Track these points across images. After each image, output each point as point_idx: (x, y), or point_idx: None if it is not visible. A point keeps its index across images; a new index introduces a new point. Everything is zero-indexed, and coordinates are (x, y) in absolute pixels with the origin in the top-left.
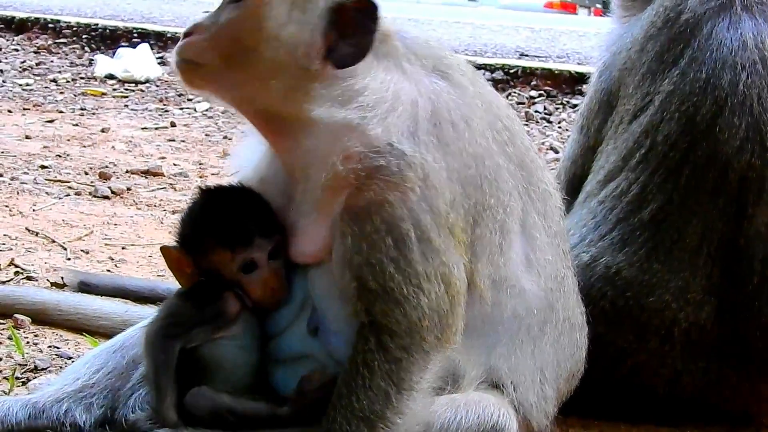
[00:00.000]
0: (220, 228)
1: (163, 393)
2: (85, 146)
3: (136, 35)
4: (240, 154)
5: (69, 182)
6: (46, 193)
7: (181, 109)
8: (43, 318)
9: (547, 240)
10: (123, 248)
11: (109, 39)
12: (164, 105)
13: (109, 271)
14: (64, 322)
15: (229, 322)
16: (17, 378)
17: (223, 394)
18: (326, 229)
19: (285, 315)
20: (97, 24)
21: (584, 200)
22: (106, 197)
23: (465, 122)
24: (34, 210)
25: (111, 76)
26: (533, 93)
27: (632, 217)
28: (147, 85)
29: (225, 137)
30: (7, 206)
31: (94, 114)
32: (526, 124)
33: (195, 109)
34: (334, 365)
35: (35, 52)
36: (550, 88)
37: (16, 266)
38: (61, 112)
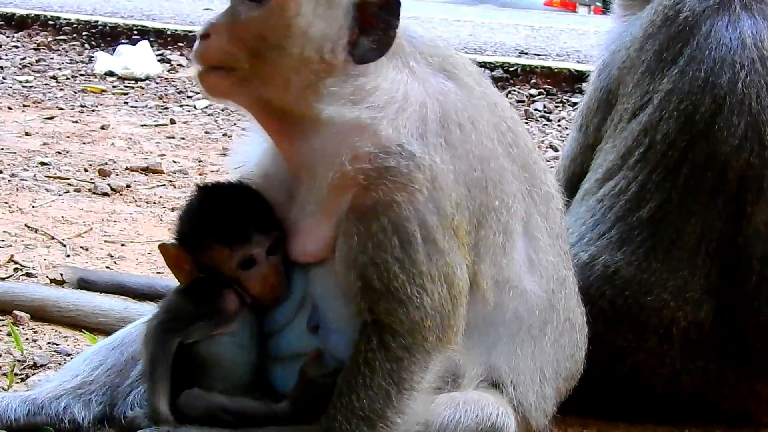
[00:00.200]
0: (219, 225)
1: (157, 386)
2: (84, 143)
3: (136, 32)
4: (242, 151)
5: (68, 179)
6: (46, 189)
7: (181, 106)
8: (42, 314)
9: (549, 241)
10: (122, 245)
11: (109, 36)
12: (164, 102)
13: (108, 268)
14: (63, 318)
15: (228, 319)
16: (16, 374)
17: (217, 394)
18: (330, 228)
19: (284, 312)
20: (97, 21)
21: (582, 198)
22: (106, 194)
23: (471, 124)
24: (33, 207)
25: (111, 73)
26: (533, 91)
27: (631, 216)
28: (147, 82)
29: (224, 134)
30: (6, 203)
31: (93, 111)
32: (526, 123)
33: (195, 107)
34: (334, 363)
35: (35, 49)
36: (550, 87)
37: (16, 263)
38: (60, 109)
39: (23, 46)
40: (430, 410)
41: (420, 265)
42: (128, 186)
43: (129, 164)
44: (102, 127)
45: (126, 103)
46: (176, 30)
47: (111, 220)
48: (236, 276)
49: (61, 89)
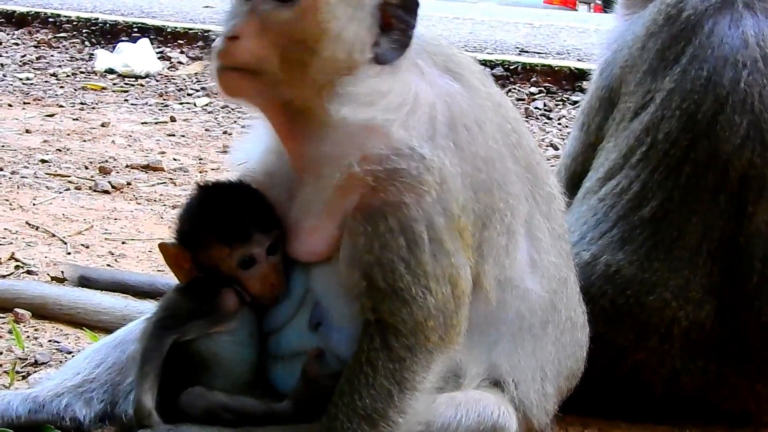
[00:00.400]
0: (219, 224)
1: (144, 382)
2: (85, 140)
3: (136, 30)
4: (244, 148)
5: (69, 176)
6: (47, 187)
7: (181, 103)
8: (43, 312)
9: (551, 242)
10: (123, 243)
11: (109, 33)
12: (164, 100)
13: (109, 265)
14: (64, 316)
15: (225, 318)
16: (17, 372)
17: (218, 392)
18: (334, 228)
19: (284, 311)
20: (98, 18)
21: (584, 197)
22: (106, 192)
23: (478, 126)
24: (34, 204)
25: (111, 71)
26: (533, 89)
27: (632, 215)
28: (147, 79)
29: (225, 132)
30: (7, 200)
31: (94, 108)
32: (526, 121)
33: (195, 104)
34: (335, 361)
35: (35, 47)
36: (550, 85)
37: (17, 260)
38: (61, 106)
39: (24, 43)
40: (432, 410)
41: (425, 265)
42: (129, 183)
43: (129, 162)
44: (102, 125)
45: (126, 100)
46: (176, 27)
47: (111, 217)
48: (236, 275)
49: (62, 87)
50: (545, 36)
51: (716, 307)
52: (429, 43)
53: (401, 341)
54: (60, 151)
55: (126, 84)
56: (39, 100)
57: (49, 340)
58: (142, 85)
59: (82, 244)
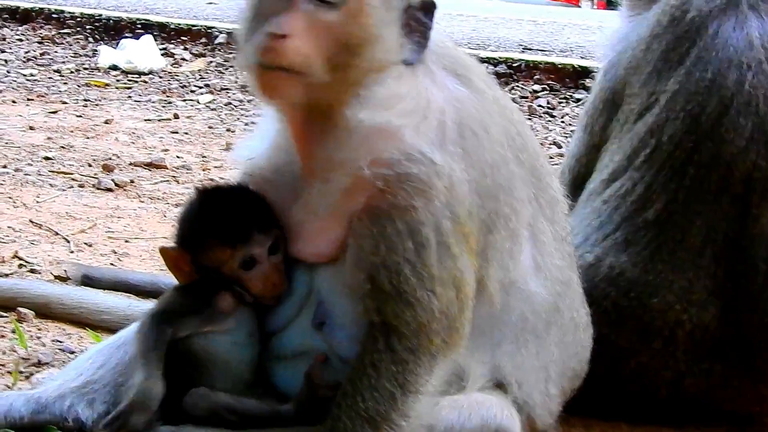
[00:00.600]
0: (219, 226)
1: (149, 370)
2: (88, 137)
3: (139, 26)
4: (250, 144)
5: (72, 174)
6: (50, 184)
7: (184, 100)
8: (46, 312)
9: (555, 245)
10: (126, 241)
11: (112, 30)
12: (167, 96)
13: (112, 264)
14: (66, 316)
15: (220, 317)
16: (20, 372)
17: (222, 393)
18: (340, 229)
19: (286, 310)
20: (101, 15)
21: (588, 199)
22: (110, 189)
23: (485, 131)
24: (37, 202)
25: (114, 67)
26: (536, 87)
27: (636, 217)
28: (150, 76)
29: (228, 129)
30: (11, 198)
31: (97, 105)
32: (529, 119)
33: (198, 101)
34: (338, 361)
35: (39, 43)
36: (553, 82)
37: (20, 258)
38: (64, 103)
39: (27, 39)
40: (435, 413)
41: (431, 268)
42: (132, 181)
43: (133, 159)
44: (106, 122)
45: (129, 97)
46: (180, 24)
47: (115, 215)
48: (238, 276)
49: (65, 83)
50: (548, 33)
51: (720, 309)
52: (438, 45)
53: (404, 344)
54: (63, 148)
55: (129, 81)
56: (42, 96)
57: (52, 340)
58: (145, 82)
59: (85, 243)
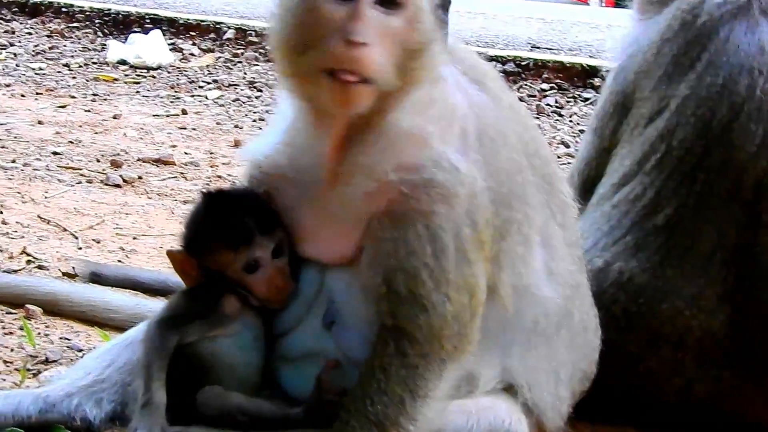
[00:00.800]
0: (223, 229)
1: (154, 377)
2: (97, 133)
3: (148, 21)
4: (268, 141)
5: (81, 169)
6: (58, 180)
7: (193, 96)
8: (54, 309)
9: (566, 250)
10: (134, 238)
11: (121, 24)
12: (176, 92)
13: (120, 261)
14: (74, 313)
15: (226, 321)
16: (28, 370)
17: (235, 393)
18: (358, 232)
19: (294, 312)
20: (110, 9)
21: (598, 203)
22: (118, 186)
23: (502, 139)
24: (46, 197)
25: (123, 62)
26: (544, 86)
27: (646, 222)
28: (159, 71)
29: (236, 126)
30: (19, 193)
31: (106, 100)
32: (537, 118)
33: (206, 97)
34: (347, 362)
35: (48, 36)
36: (562, 81)
37: (28, 254)
38: (73, 97)
39: (36, 33)
40: (443, 417)
41: (448, 274)
42: (140, 177)
43: (141, 155)
44: (114, 117)
45: (138, 92)
46: (189, 19)
47: (123, 212)
48: (242, 279)
49: (74, 77)
50: (557, 32)
51: (730, 316)
52: (455, 48)
53: (416, 348)
54: (72, 143)
55: (138, 75)
56: (51, 90)
57: (60, 338)
58: (153, 77)
59: (93, 239)
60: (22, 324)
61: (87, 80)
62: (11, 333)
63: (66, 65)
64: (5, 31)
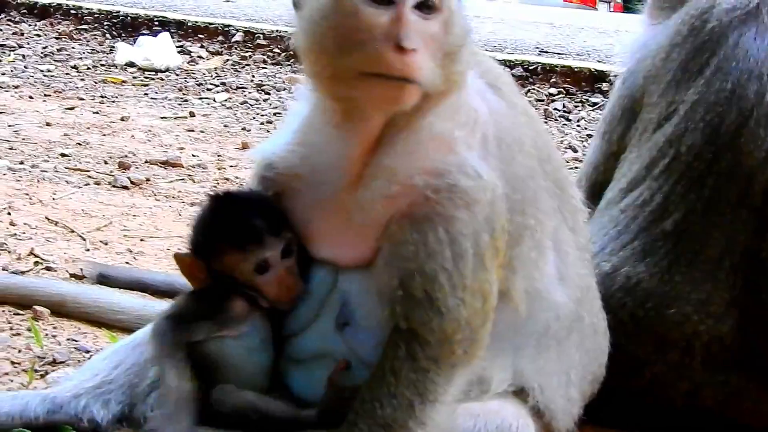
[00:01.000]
0: (232, 231)
1: (173, 367)
2: (104, 134)
3: (156, 23)
4: (282, 141)
5: (88, 171)
6: (66, 181)
7: (200, 98)
8: (61, 310)
9: (577, 254)
10: (141, 240)
11: (130, 27)
12: (183, 94)
13: (127, 263)
14: (82, 314)
15: (233, 322)
16: (36, 371)
17: (250, 392)
18: (376, 234)
19: (304, 313)
20: (119, 11)
21: (606, 208)
22: (125, 187)
23: (518, 145)
24: (54, 198)
25: (131, 64)
26: (552, 90)
27: (654, 227)
28: (167, 73)
29: (243, 128)
30: (27, 194)
31: (114, 102)
32: (545, 122)
33: (214, 99)
34: (358, 363)
35: (56, 38)
36: (570, 86)
37: (36, 256)
38: (81, 99)
39: (45, 34)
40: (451, 421)
41: (465, 278)
42: (148, 179)
43: (148, 157)
44: (122, 119)
45: (146, 94)
46: (197, 22)
47: (130, 214)
48: (252, 281)
49: (82, 79)
50: (565, 36)
51: (738, 321)
52: (472, 52)
53: (427, 352)
54: (80, 145)
55: (146, 78)
56: (59, 92)
57: (68, 339)
58: (161, 79)
59: (101, 241)
60: (30, 325)
61: (95, 82)
62: (19, 334)
63: (74, 67)
64: (14, 33)
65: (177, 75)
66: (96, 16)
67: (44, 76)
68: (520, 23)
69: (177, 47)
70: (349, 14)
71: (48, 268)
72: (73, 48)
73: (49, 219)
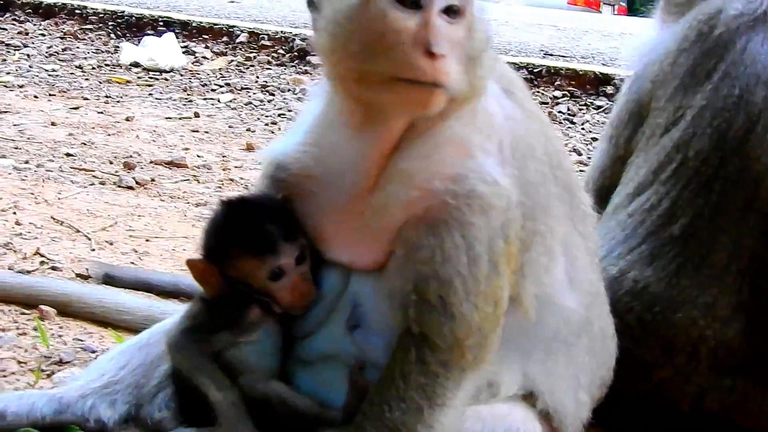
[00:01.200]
0: (247, 237)
1: (211, 379)
2: (109, 134)
3: (161, 24)
4: (293, 141)
5: (94, 171)
6: (71, 181)
7: (205, 99)
8: (67, 310)
9: (587, 259)
10: (146, 240)
11: (134, 27)
12: (188, 95)
13: (132, 263)
14: (88, 314)
15: (250, 329)
16: (42, 370)
17: (280, 384)
18: (390, 238)
19: (315, 315)
20: (124, 11)
21: (613, 212)
22: (130, 188)
23: (531, 151)
24: (59, 198)
25: (136, 64)
26: (557, 93)
27: (662, 232)
28: (171, 74)
29: (248, 129)
30: (32, 194)
31: (118, 102)
32: None
33: (218, 100)
34: (369, 366)
35: (61, 38)
36: (574, 89)
37: (42, 255)
38: (86, 99)
39: (50, 34)
40: (459, 425)
41: (479, 284)
42: (153, 180)
43: (153, 157)
44: (127, 119)
45: (150, 95)
46: (201, 22)
47: (135, 214)
48: (266, 287)
49: (87, 79)
50: (570, 39)
51: (744, 326)
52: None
53: (437, 356)
54: (85, 144)
55: (150, 78)
56: (64, 92)
57: (74, 339)
58: (166, 80)
59: (106, 241)
60: (36, 325)
61: (100, 82)
62: (25, 333)
63: (79, 67)
64: (19, 33)
65: (181, 75)
66: (101, 16)
67: (49, 75)
68: (524, 26)
69: (181, 48)
70: (376, 18)
71: (54, 268)
72: (77, 48)
73: (54, 219)
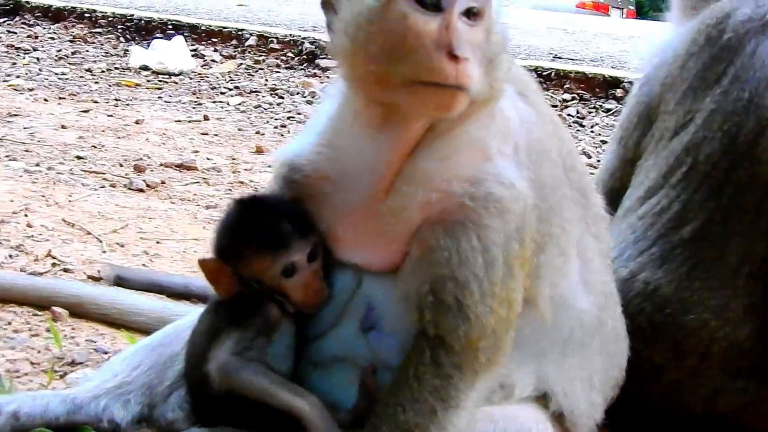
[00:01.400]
0: (258, 234)
1: (290, 391)
2: (119, 137)
3: (170, 27)
4: (307, 141)
5: (104, 174)
6: (82, 184)
7: (214, 102)
8: (79, 311)
9: (601, 261)
10: (157, 242)
11: (144, 30)
12: (197, 98)
13: (144, 265)
14: (100, 316)
15: (272, 330)
16: (55, 371)
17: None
18: (405, 239)
19: (326, 316)
20: (133, 15)
21: (624, 215)
22: (141, 190)
23: (545, 154)
24: (70, 201)
25: (145, 68)
26: (566, 96)
27: (673, 235)
28: (180, 77)
29: (257, 132)
30: (43, 196)
31: (128, 105)
32: None
33: (228, 103)
34: (381, 367)
35: (71, 42)
36: (584, 92)
37: (53, 257)
38: (95, 102)
39: (59, 38)
40: (471, 426)
41: (494, 286)
42: (163, 182)
43: (163, 160)
44: (136, 122)
45: (160, 98)
46: (210, 26)
47: (146, 216)
48: (279, 285)
49: (96, 82)
50: (579, 42)
51: (756, 328)
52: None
53: (451, 358)
54: (95, 147)
55: (160, 81)
56: (74, 95)
57: (86, 340)
58: (175, 83)
59: (117, 243)
60: (49, 326)
61: (109, 85)
62: (38, 335)
63: (88, 70)
64: (28, 36)
65: (191, 78)
66: (110, 19)
67: (59, 79)
68: (533, 29)
69: (191, 51)
70: (397, 21)
71: (65, 270)
72: (87, 51)
73: (65, 221)
